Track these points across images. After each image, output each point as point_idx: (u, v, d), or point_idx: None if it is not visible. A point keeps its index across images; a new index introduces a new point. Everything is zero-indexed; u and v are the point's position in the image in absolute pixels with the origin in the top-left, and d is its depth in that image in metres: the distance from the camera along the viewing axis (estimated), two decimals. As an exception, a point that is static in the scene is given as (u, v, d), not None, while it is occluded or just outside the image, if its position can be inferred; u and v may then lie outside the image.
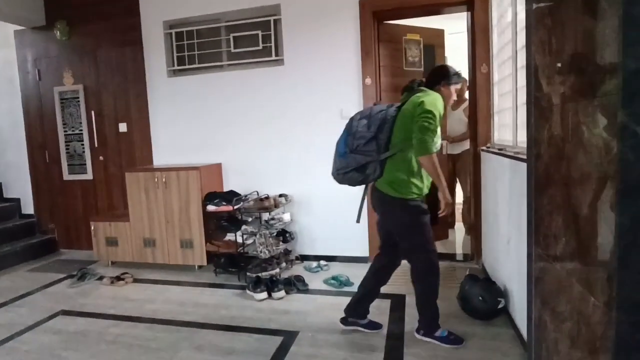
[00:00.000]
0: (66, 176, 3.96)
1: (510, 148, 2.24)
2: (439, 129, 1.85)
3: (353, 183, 1.96)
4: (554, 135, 1.32)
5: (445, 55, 3.74)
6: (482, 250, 2.92)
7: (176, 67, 3.54)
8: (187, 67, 3.52)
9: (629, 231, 0.88)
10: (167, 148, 3.62)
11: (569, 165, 1.20)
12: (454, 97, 2.03)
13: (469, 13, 2.98)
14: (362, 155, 1.87)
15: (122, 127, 3.77)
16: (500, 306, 2.08)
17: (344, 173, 1.92)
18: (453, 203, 2.31)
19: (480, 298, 2.11)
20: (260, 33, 3.27)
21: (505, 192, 2.18)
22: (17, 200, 4.14)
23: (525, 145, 1.99)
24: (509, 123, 2.35)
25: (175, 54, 3.53)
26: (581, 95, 1.11)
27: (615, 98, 0.90)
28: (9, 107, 4.05)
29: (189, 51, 3.50)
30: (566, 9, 1.25)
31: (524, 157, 1.81)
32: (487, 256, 2.77)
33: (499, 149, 2.37)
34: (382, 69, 3.22)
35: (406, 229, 1.92)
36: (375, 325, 2.09)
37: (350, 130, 1.92)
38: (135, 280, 3.04)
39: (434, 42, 3.49)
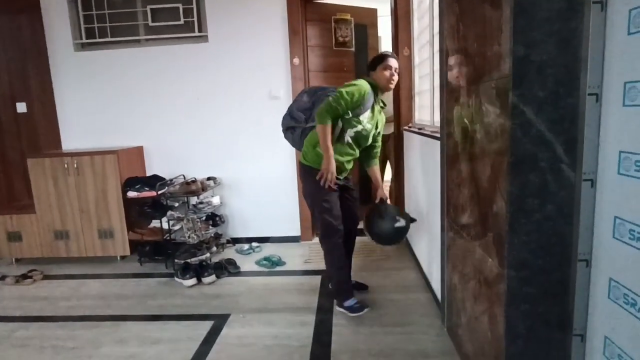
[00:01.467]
0: (-48, 164, 3.42)
1: (428, 127, 2.40)
2: (366, 113, 2.01)
3: (290, 142, 2.29)
4: (462, 114, 1.45)
5: (379, 35, 3.75)
6: (405, 224, 3.12)
7: (84, 40, 3.19)
8: (98, 40, 3.18)
9: (517, 199, 1.01)
10: (78, 130, 3.28)
11: (473, 142, 1.33)
12: (390, 77, 2.03)
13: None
14: (294, 120, 2.20)
15: (21, 107, 3.33)
16: (397, 224, 2.09)
17: (283, 130, 2.28)
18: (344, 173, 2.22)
19: (380, 214, 2.13)
20: (181, 6, 3.06)
21: (424, 168, 2.35)
22: None
23: (439, 124, 2.15)
24: (427, 104, 2.50)
25: (82, 25, 3.17)
26: (482, 79, 1.23)
27: (507, 81, 1.01)
28: None
29: (99, 23, 3.17)
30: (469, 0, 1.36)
31: (439, 135, 1.96)
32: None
33: (419, 129, 2.52)
34: (310, 49, 3.22)
35: (309, 195, 2.13)
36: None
37: (295, 99, 2.27)
38: (46, 277, 2.77)
39: (366, 21, 3.49)
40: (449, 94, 1.60)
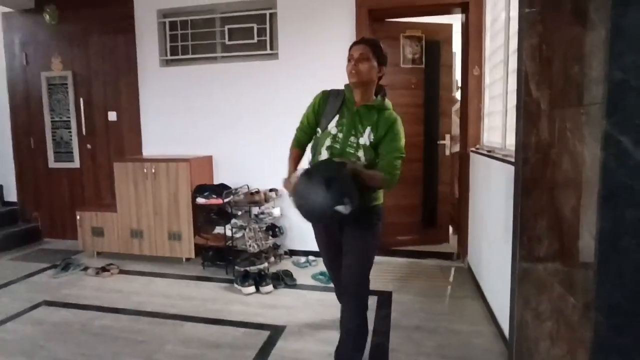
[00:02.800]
0: (52, 164, 3.89)
1: (499, 150, 2.28)
2: (333, 120, 1.65)
3: None
4: (541, 140, 1.36)
5: (453, 51, 3.55)
6: (467, 250, 2.97)
7: (169, 57, 3.50)
8: (180, 57, 3.48)
9: (609, 235, 0.92)
10: (157, 138, 3.58)
11: (555, 170, 1.24)
12: (350, 68, 1.62)
13: (464, 15, 3.01)
14: None
15: (112, 116, 3.72)
16: (339, 208, 1.42)
17: None
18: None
19: (326, 183, 1.42)
20: (255, 26, 3.25)
21: (493, 193, 2.23)
22: (0, 187, 4.06)
23: (513, 148, 2.04)
24: (499, 126, 2.39)
25: (168, 44, 3.49)
26: (568, 103, 1.14)
27: (600, 107, 0.93)
28: (-6, 91, 3.95)
29: (182, 41, 3.46)
30: (557, 17, 1.28)
31: (512, 160, 1.85)
32: (473, 256, 2.82)
33: (488, 151, 2.41)
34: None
35: None
36: None
37: None
38: (121, 272, 3.02)
39: (439, 37, 3.33)
40: (526, 117, 1.51)
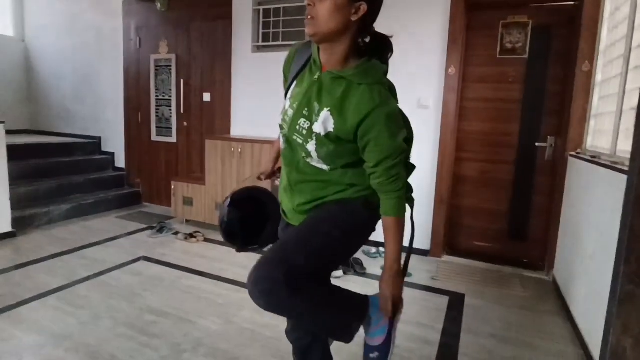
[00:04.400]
0: (154, 137, 4.35)
1: (606, 157, 2.04)
2: (291, 88, 1.13)
3: None
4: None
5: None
6: (554, 262, 2.73)
7: (260, 44, 3.67)
8: (270, 44, 3.63)
9: None
10: (245, 120, 3.81)
11: (685, 184, 1.08)
12: (306, 23, 1.03)
13: (575, 4, 2.70)
14: None
15: (206, 97, 4.03)
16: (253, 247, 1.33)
17: None
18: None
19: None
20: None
21: (594, 204, 2.01)
22: (112, 155, 4.65)
23: (625, 155, 1.82)
24: (609, 129, 2.13)
25: (261, 31, 3.66)
26: None
27: None
28: (113, 70, 4.50)
29: (274, 28, 3.60)
30: None
31: (624, 168, 1.66)
32: (561, 269, 2.59)
33: (592, 157, 2.17)
34: (469, 57, 3.06)
35: None
36: None
37: None
38: (206, 240, 3.30)
39: (550, 21, 2.84)
40: (652, 121, 1.33)
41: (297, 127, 1.05)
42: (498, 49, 3.01)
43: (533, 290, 2.58)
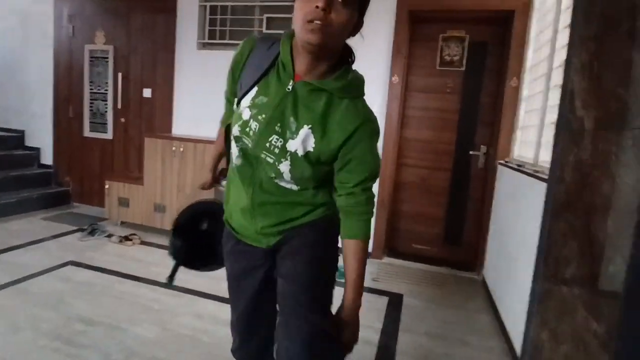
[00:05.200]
0: (87, 133, 4.04)
1: (530, 166, 2.23)
2: (250, 93, 0.95)
3: None
4: (581, 160, 1.32)
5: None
6: (484, 263, 2.93)
7: (206, 41, 3.56)
8: (217, 41, 3.53)
9: (644, 265, 0.90)
10: (188, 119, 3.66)
11: (593, 192, 1.21)
12: (306, 16, 0.85)
13: (507, 25, 2.94)
14: None
15: (147, 93, 3.81)
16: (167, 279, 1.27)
17: None
18: None
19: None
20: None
21: (518, 209, 2.19)
22: (37, 150, 4.24)
23: (546, 165, 2.00)
24: (533, 141, 2.34)
25: (207, 28, 3.55)
26: (615, 125, 1.11)
27: (652, 133, 0.91)
28: (41, 59, 4.11)
29: (221, 26, 3.51)
30: (612, 37, 1.24)
31: (545, 176, 1.82)
32: (489, 270, 2.78)
33: (518, 165, 2.36)
34: (412, 68, 3.20)
35: None
36: None
37: None
38: (143, 243, 3.12)
39: (485, 38, 3.06)
40: (568, 135, 1.47)
41: (268, 144, 0.90)
42: (438, 61, 3.19)
43: (466, 290, 2.75)
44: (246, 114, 0.92)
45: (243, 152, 0.96)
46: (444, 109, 3.21)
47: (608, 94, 1.21)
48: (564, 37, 2.10)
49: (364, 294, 1.01)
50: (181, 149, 3.22)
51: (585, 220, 1.23)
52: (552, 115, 2.04)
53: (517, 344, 1.86)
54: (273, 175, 0.94)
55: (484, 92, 3.13)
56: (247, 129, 0.92)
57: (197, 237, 1.23)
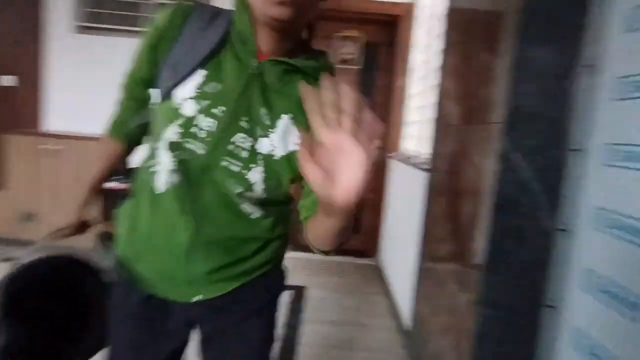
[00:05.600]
0: None
1: (414, 158, 2.46)
2: (194, 79, 0.68)
3: None
4: (450, 151, 1.50)
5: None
6: (380, 249, 3.16)
7: (85, 24, 3.14)
8: (98, 25, 3.14)
9: (496, 240, 1.05)
10: (64, 113, 3.20)
11: (459, 179, 1.37)
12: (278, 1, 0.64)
13: (395, 29, 3.19)
14: None
15: (6, 80, 3.22)
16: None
17: None
18: None
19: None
20: (187, 5, 3.07)
21: (405, 197, 2.40)
22: None
23: (427, 156, 2.21)
24: (415, 135, 2.58)
25: (84, 8, 3.13)
26: (475, 120, 1.28)
27: (499, 127, 1.06)
28: None
29: (103, 8, 3.13)
30: (474, 43, 1.43)
31: (426, 167, 2.01)
32: (383, 254, 3.01)
33: (404, 157, 2.59)
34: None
35: None
36: None
37: None
38: (6, 260, 2.64)
39: (377, 39, 3.23)
40: (441, 129, 1.65)
41: (232, 147, 0.66)
42: (337, 59, 3.31)
43: (364, 275, 2.93)
44: (189, 109, 0.66)
45: (183, 165, 0.68)
46: (340, 106, 3.34)
47: (471, 93, 1.39)
48: (439, 43, 2.34)
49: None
50: (55, 148, 2.80)
51: (454, 204, 1.39)
52: (430, 113, 2.28)
53: (405, 320, 2.04)
54: (240, 190, 0.68)
55: (378, 90, 3.38)
56: (194, 130, 0.66)
57: (48, 319, 0.79)
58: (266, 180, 0.67)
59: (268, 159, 0.67)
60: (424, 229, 1.72)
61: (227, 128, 0.66)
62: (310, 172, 0.44)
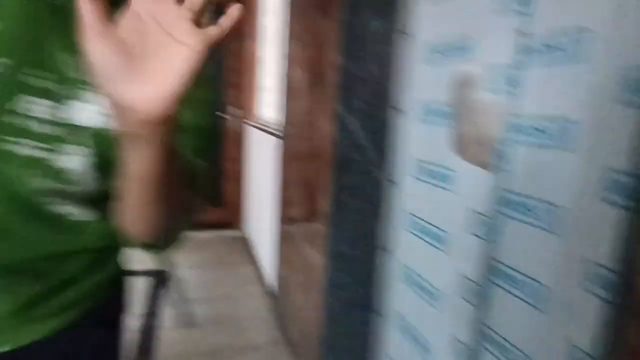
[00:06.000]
0: None
1: (270, 124, 2.46)
2: None
3: None
4: (299, 116, 1.53)
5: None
6: (244, 218, 3.15)
7: None
8: None
9: (337, 197, 1.12)
10: None
11: (307, 143, 1.42)
12: None
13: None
14: None
15: None
16: None
17: None
18: None
19: None
20: None
21: (264, 164, 2.40)
22: None
23: (280, 123, 2.23)
24: (270, 102, 2.57)
25: None
26: (317, 85, 1.32)
27: (335, 90, 1.11)
28: None
29: None
30: (313, 9, 1.45)
31: (279, 133, 2.03)
32: (249, 223, 3.01)
33: (261, 124, 2.57)
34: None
35: None
36: None
37: None
38: None
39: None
40: (290, 95, 1.67)
41: (16, 118, 0.44)
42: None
43: (231, 248, 2.88)
44: None
45: None
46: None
47: (314, 59, 1.41)
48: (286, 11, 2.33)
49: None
50: None
51: (303, 167, 1.44)
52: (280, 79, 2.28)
53: (271, 284, 2.10)
54: (47, 183, 0.46)
55: (230, 54, 3.22)
56: None
57: None
58: (90, 164, 0.46)
59: (85, 131, 0.45)
60: (280, 194, 1.75)
61: (8, 90, 0.44)
62: (97, 52, 0.28)
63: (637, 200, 0.46)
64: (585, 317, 0.65)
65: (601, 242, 0.63)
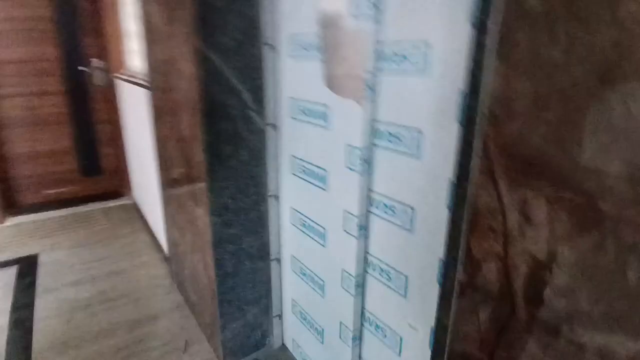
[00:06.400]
0: None
1: (138, 75, 2.16)
2: None
3: None
4: (161, 62, 1.34)
5: None
6: (131, 184, 2.84)
7: None
8: None
9: (212, 147, 1.03)
10: None
11: (173, 92, 1.26)
12: None
13: None
14: None
15: None
16: None
17: None
18: None
19: None
20: None
21: (139, 121, 2.13)
22: None
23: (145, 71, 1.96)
24: (138, 49, 2.24)
25: None
26: (175, 19, 1.14)
27: (192, 24, 0.97)
28: None
29: None
30: None
31: (146, 84, 1.79)
32: (137, 189, 2.73)
33: (130, 76, 2.25)
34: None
35: None
36: None
37: None
38: None
39: None
40: (149, 38, 1.44)
41: None
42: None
43: (118, 218, 2.60)
44: None
45: None
46: (35, 17, 2.52)
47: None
48: None
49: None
50: None
51: (174, 121, 1.29)
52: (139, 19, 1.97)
53: (165, 250, 1.97)
54: None
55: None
56: None
57: None
58: None
59: None
60: (157, 153, 1.57)
61: None
62: None
63: (473, 119, 0.48)
64: (444, 232, 0.70)
65: (454, 162, 0.66)
